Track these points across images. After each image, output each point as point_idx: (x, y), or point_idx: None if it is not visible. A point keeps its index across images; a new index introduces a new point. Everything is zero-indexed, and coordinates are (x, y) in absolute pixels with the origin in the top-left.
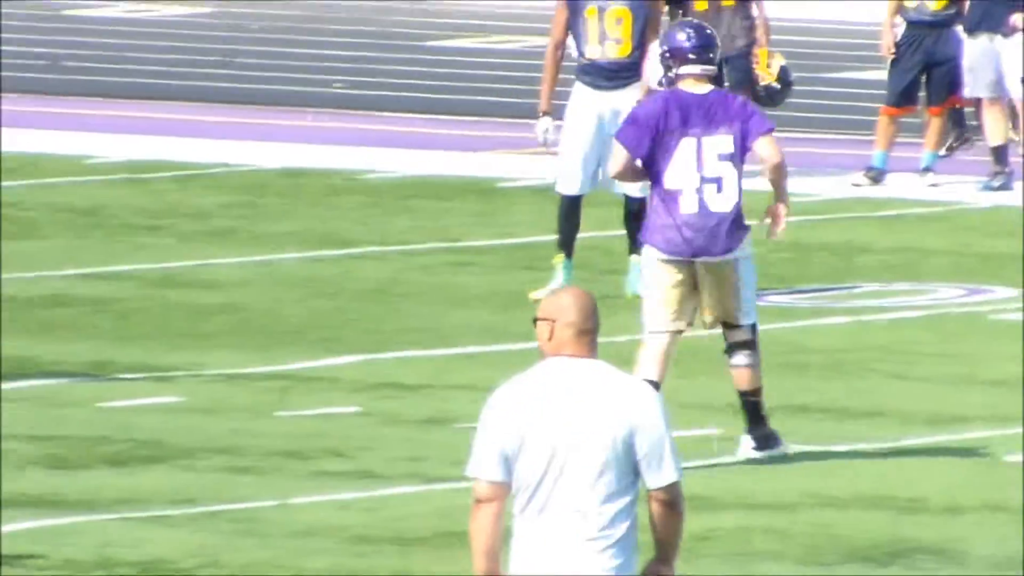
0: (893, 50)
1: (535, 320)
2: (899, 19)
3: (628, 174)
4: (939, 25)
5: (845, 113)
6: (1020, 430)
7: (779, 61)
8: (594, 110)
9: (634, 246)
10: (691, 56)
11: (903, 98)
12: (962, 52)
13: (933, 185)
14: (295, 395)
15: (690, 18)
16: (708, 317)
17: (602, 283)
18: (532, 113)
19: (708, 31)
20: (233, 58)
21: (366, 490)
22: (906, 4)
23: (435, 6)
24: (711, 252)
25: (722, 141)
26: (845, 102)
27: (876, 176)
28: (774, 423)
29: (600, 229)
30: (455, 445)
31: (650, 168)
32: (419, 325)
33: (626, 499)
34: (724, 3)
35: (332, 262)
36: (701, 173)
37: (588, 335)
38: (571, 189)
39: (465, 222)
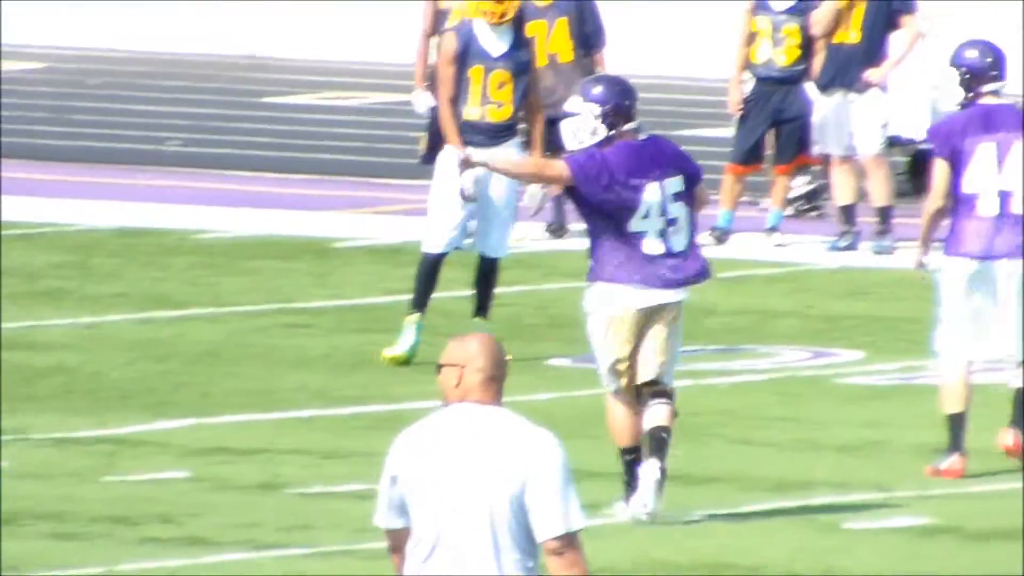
0: (740, 107)
1: (439, 366)
2: (747, 75)
3: (537, 181)
4: (788, 82)
5: None
6: (864, 496)
7: None
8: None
9: (480, 309)
10: (631, 113)
11: (749, 156)
12: (811, 110)
13: (779, 245)
14: (124, 459)
15: (599, 73)
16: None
17: (440, 345)
18: (371, 172)
19: (630, 84)
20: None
21: (195, 557)
22: (754, 60)
23: (272, 63)
24: (680, 283)
25: (676, 182)
26: None
27: (721, 236)
28: (614, 490)
29: (442, 290)
30: (287, 511)
31: (604, 211)
32: (252, 388)
33: (526, 551)
34: (562, 60)
35: (164, 323)
36: (666, 215)
37: (496, 382)
38: (436, 247)
39: (301, 283)
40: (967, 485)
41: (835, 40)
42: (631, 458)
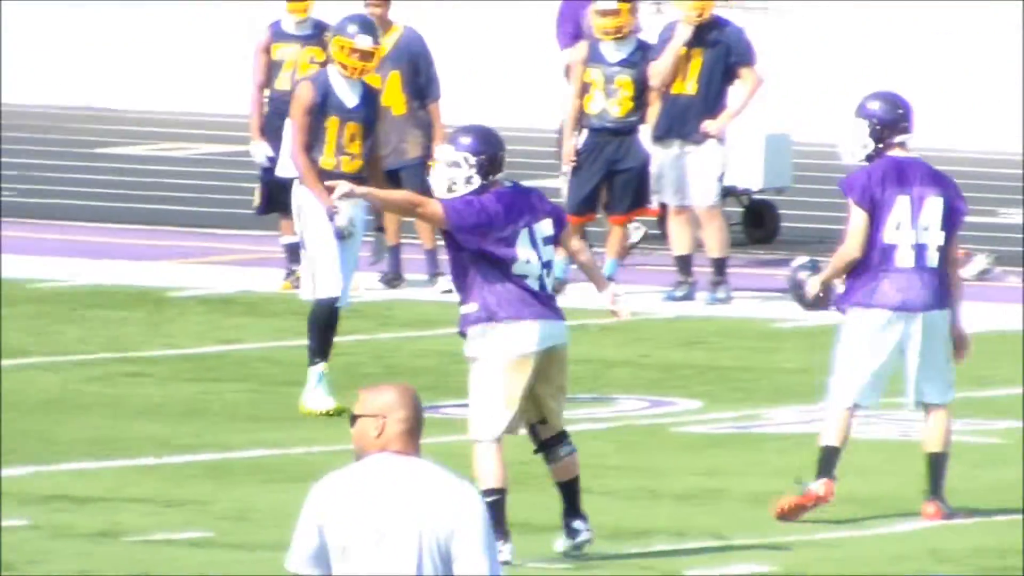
0: (574, 158)
1: (354, 417)
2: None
3: (409, 215)
4: (622, 132)
5: None
6: (703, 544)
7: None
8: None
9: (319, 356)
10: (503, 162)
11: (584, 206)
12: (646, 160)
13: (615, 295)
14: None
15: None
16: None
17: (274, 395)
18: (203, 222)
19: (499, 134)
20: None
21: None
22: (588, 111)
23: (107, 113)
24: (564, 335)
25: (547, 226)
26: None
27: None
28: None
29: (274, 340)
30: (127, 558)
31: (491, 259)
32: (91, 436)
33: None
34: (395, 112)
35: (3, 372)
36: (542, 259)
37: (417, 432)
38: (334, 291)
39: (136, 332)
40: (807, 533)
41: (672, 91)
42: (499, 499)
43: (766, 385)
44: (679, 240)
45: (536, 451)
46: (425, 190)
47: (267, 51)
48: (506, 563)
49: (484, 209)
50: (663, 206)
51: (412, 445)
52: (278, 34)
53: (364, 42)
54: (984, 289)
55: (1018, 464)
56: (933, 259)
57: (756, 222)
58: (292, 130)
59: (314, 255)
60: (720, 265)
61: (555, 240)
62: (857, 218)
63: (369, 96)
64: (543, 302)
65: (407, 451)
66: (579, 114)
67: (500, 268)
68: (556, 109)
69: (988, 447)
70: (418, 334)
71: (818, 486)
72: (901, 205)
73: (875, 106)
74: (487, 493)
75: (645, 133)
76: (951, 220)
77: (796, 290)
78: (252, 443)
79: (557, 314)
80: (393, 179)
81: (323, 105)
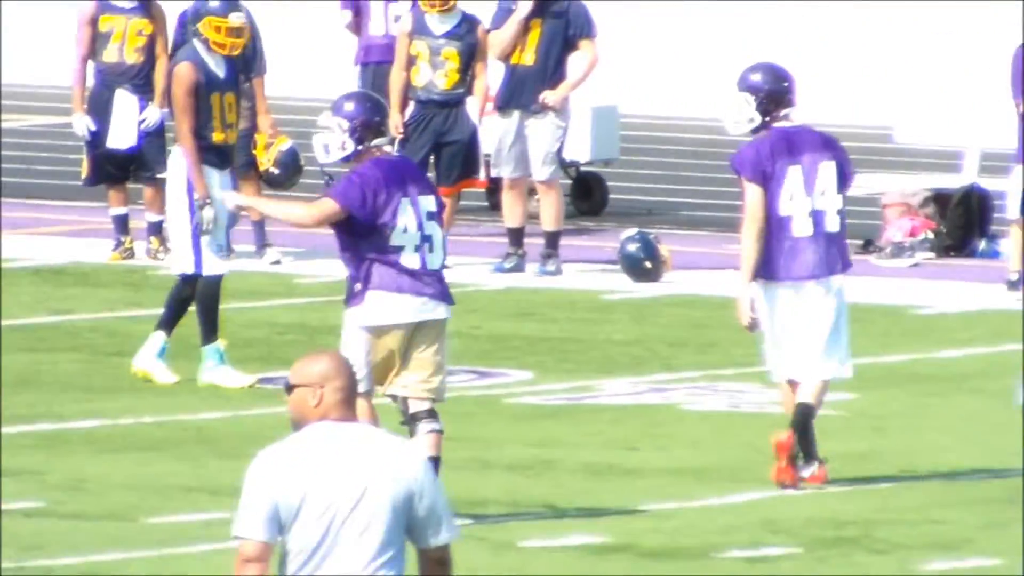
0: (402, 130)
1: (290, 386)
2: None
3: (316, 226)
4: (448, 104)
5: None
6: (537, 514)
7: (281, 144)
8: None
9: (214, 334)
10: (382, 128)
11: None
12: (474, 131)
13: (444, 267)
14: None
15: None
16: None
17: (106, 365)
18: (32, 193)
19: (380, 100)
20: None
21: None
22: (414, 83)
23: None
24: (445, 300)
25: (429, 201)
26: None
27: None
28: None
29: (105, 311)
30: None
31: (369, 229)
32: None
33: (397, 560)
34: None
35: None
36: (422, 232)
37: (353, 399)
38: (219, 269)
39: None
40: (639, 503)
41: (511, 61)
42: None
43: (597, 356)
44: (512, 212)
45: (402, 422)
46: (251, 160)
47: (92, 23)
48: None
49: (364, 180)
50: (493, 179)
51: (350, 412)
52: (104, 6)
53: (237, 19)
54: None
55: (852, 436)
56: (832, 223)
57: (584, 194)
58: (178, 114)
59: (190, 231)
60: (553, 239)
61: (437, 217)
62: (753, 194)
63: (232, 65)
64: (415, 276)
65: (346, 418)
66: (405, 86)
67: (376, 242)
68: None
69: (819, 419)
70: (248, 305)
71: (809, 473)
72: (793, 175)
73: (758, 78)
74: None
75: (472, 104)
76: (844, 183)
77: (627, 262)
78: (85, 413)
79: (434, 288)
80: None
81: (204, 83)
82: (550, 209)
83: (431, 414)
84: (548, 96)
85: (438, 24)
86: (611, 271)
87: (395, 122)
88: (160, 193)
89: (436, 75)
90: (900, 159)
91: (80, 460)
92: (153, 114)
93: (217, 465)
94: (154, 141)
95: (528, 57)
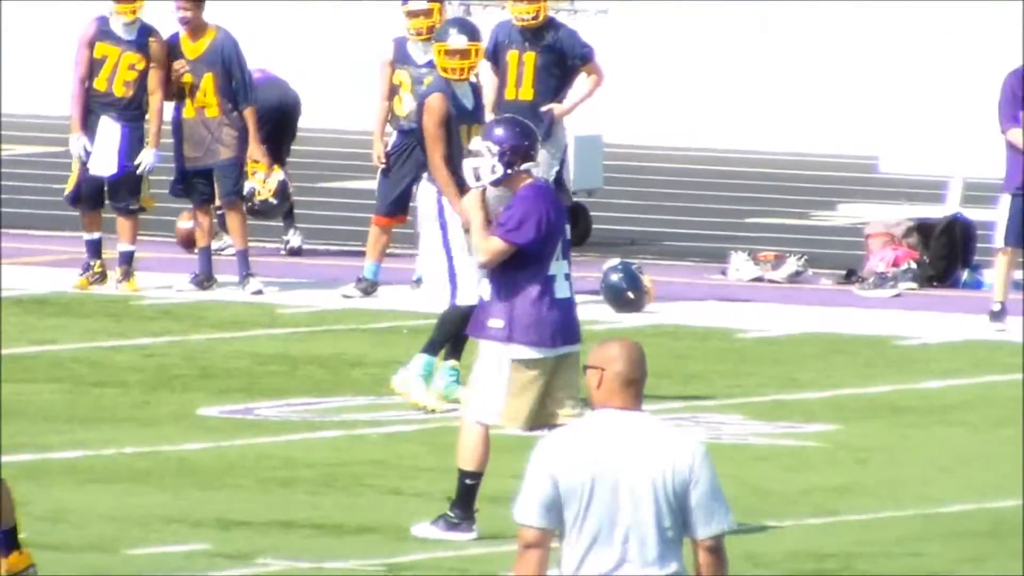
0: (384, 159)
1: (586, 368)
2: (390, 128)
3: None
4: None
5: (336, 224)
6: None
7: (277, 176)
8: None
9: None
10: (531, 152)
11: (394, 207)
12: None
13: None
14: None
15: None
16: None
17: (88, 395)
18: (16, 223)
19: (529, 126)
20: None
21: None
22: (397, 112)
23: None
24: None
25: (567, 230)
26: (337, 212)
27: (368, 287)
28: (264, 540)
29: (88, 340)
30: None
31: (533, 259)
32: None
33: (676, 549)
34: (208, 114)
35: None
36: (568, 260)
37: (635, 385)
38: (472, 300)
39: None
40: None
41: (507, 97)
42: (476, 483)
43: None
44: None
45: None
46: (238, 190)
47: (90, 45)
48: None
49: (532, 211)
50: None
51: (631, 399)
52: (102, 32)
53: (457, 42)
54: (795, 291)
55: (834, 468)
56: None
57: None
58: (430, 144)
59: (453, 260)
60: None
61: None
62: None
63: (476, 95)
64: (564, 307)
65: (626, 406)
66: (387, 115)
67: (538, 268)
68: (365, 111)
69: (801, 450)
70: (231, 335)
71: None
72: None
73: (502, 132)
74: (471, 476)
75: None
76: None
77: (610, 292)
78: (67, 444)
79: (574, 321)
80: (206, 178)
81: (455, 115)
82: None
83: None
84: (555, 108)
85: (421, 54)
86: (594, 301)
87: (377, 152)
88: (134, 223)
89: (418, 105)
90: (883, 189)
91: (62, 491)
92: (147, 157)
93: (199, 496)
94: (132, 172)
95: (524, 92)
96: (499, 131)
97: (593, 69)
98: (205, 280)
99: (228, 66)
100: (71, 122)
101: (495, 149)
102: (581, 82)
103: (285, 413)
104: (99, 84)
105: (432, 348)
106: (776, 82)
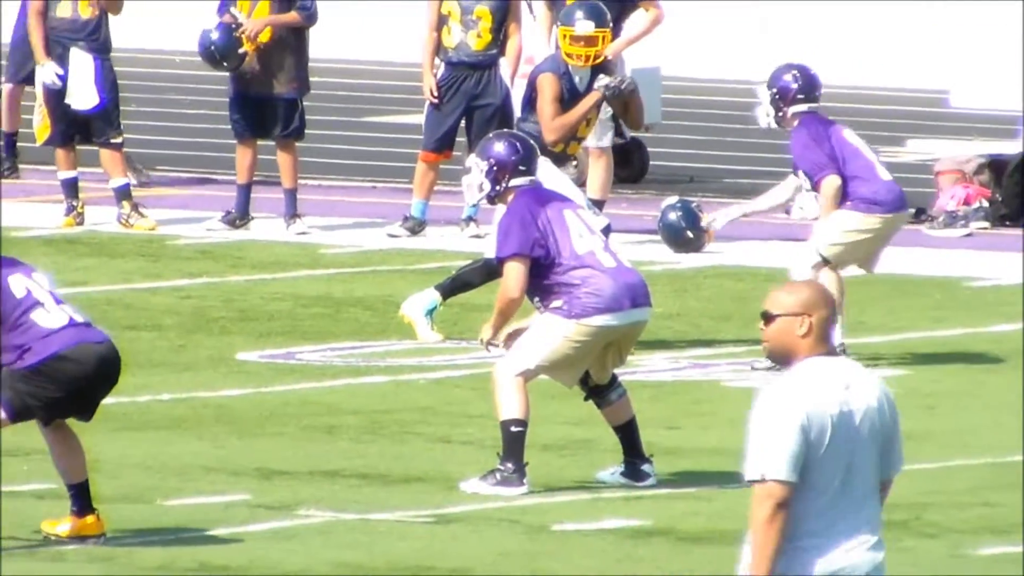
0: (435, 92)
1: (771, 316)
2: (439, 60)
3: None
4: (481, 66)
5: (381, 160)
6: (573, 496)
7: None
8: None
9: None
10: (520, 168)
11: (441, 143)
12: (506, 94)
13: (476, 236)
14: None
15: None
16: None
17: (122, 339)
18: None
19: (527, 141)
20: None
21: None
22: (445, 44)
23: None
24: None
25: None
26: (383, 148)
27: (415, 226)
28: (304, 490)
29: (123, 282)
30: None
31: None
32: None
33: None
34: (262, 39)
35: None
36: (596, 234)
37: (832, 330)
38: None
39: None
40: (678, 486)
41: None
42: (522, 431)
43: None
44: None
45: (586, 398)
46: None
47: None
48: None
49: (520, 221)
50: None
51: (832, 345)
52: None
53: (584, 28)
54: None
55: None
56: None
57: (623, 160)
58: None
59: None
60: (598, 208)
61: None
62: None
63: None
64: (614, 275)
65: (831, 351)
66: (436, 47)
67: (564, 257)
68: (412, 43)
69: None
70: (271, 276)
71: None
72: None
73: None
74: (516, 423)
75: (505, 66)
76: None
77: (668, 231)
78: None
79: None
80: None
81: (567, 97)
82: (601, 177)
83: (614, 380)
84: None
85: None
86: (651, 241)
87: (428, 85)
88: (120, 156)
89: (468, 35)
90: (954, 124)
91: (95, 439)
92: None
93: (238, 445)
94: (111, 104)
95: None
96: (489, 146)
97: (651, 5)
98: (238, 219)
99: None
100: (35, 51)
101: (483, 166)
102: (639, 17)
103: (328, 357)
104: (62, 11)
105: (444, 291)
106: (843, 13)
